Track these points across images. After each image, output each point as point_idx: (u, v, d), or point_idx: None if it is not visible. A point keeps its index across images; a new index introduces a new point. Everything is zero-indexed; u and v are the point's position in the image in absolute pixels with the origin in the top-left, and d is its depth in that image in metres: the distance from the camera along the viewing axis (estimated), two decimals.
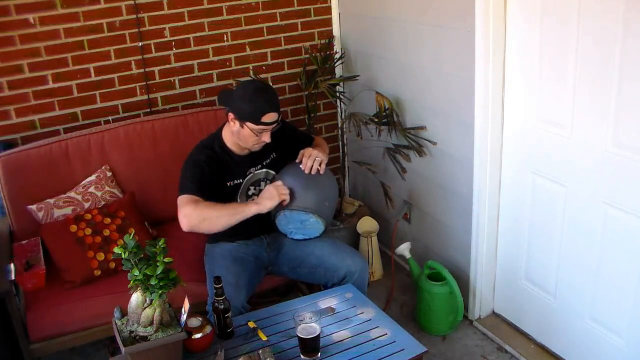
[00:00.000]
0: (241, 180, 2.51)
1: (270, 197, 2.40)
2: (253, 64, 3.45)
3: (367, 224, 3.41)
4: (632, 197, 2.15)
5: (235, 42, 3.37)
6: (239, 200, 2.53)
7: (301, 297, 2.52)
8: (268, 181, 2.57)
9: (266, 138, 2.40)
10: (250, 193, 2.55)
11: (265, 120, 2.34)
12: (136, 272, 1.89)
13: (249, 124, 2.35)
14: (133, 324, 1.95)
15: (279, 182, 2.44)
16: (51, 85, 3.00)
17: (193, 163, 2.45)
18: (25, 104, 2.97)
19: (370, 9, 3.23)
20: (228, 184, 2.49)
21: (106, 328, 2.43)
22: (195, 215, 2.30)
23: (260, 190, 2.53)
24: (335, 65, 3.56)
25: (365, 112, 3.20)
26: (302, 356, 2.05)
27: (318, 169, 2.46)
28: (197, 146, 2.53)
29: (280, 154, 2.58)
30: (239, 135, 2.42)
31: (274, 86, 3.41)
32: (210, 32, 3.29)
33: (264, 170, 2.56)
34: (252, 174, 2.53)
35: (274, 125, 2.38)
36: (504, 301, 2.94)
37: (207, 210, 2.32)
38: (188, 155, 2.50)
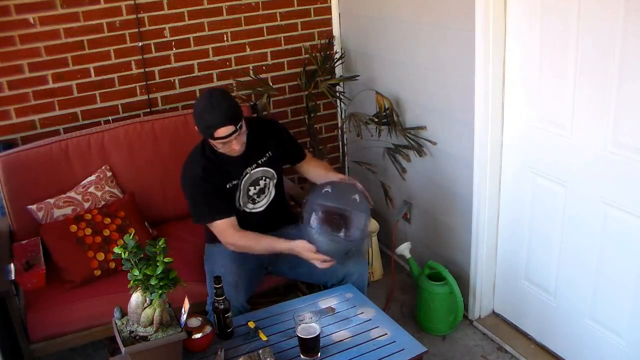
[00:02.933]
0: (237, 181, 2.50)
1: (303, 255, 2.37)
2: (253, 64, 3.45)
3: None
4: (632, 197, 2.15)
5: (235, 42, 3.37)
6: (240, 202, 2.52)
7: (301, 297, 2.52)
8: (267, 179, 2.56)
9: (235, 146, 2.36)
10: (251, 194, 2.54)
11: (219, 135, 2.30)
12: (136, 272, 1.89)
13: (208, 139, 2.36)
14: (133, 324, 1.95)
15: (313, 254, 2.32)
16: (51, 85, 3.00)
17: (194, 183, 2.42)
18: (25, 104, 2.97)
19: (370, 9, 3.23)
20: (227, 186, 2.48)
21: (106, 328, 2.43)
22: (240, 246, 2.45)
23: (260, 189, 2.54)
24: (335, 65, 3.56)
25: (365, 112, 3.20)
26: (302, 356, 2.05)
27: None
28: (190, 157, 2.49)
29: (275, 152, 2.57)
30: (213, 144, 2.40)
31: (274, 86, 3.41)
32: (210, 32, 3.29)
33: (261, 169, 2.54)
34: (248, 174, 2.51)
35: (234, 134, 2.32)
36: (504, 301, 2.94)
37: (245, 245, 2.44)
38: (184, 168, 2.47)
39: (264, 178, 2.56)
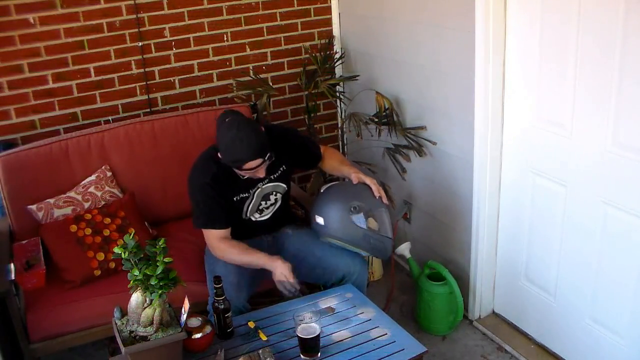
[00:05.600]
0: (247, 194, 2.48)
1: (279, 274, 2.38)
2: (253, 64, 3.45)
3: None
4: (632, 197, 2.15)
5: (235, 42, 3.37)
6: (248, 215, 2.52)
7: (301, 297, 2.53)
8: (278, 194, 2.56)
9: (260, 174, 2.36)
10: (261, 207, 2.53)
11: (247, 167, 2.29)
12: (136, 272, 1.89)
13: (234, 169, 2.35)
14: (133, 324, 1.95)
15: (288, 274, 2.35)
16: (51, 85, 3.00)
17: (201, 189, 2.40)
18: (25, 104, 2.96)
19: (370, 8, 3.23)
20: (234, 198, 2.46)
21: (106, 328, 2.42)
22: (225, 256, 2.44)
23: (271, 204, 2.54)
24: (335, 65, 3.56)
25: (365, 112, 3.20)
26: (302, 356, 2.05)
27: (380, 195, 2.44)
28: (201, 160, 2.45)
29: (289, 166, 2.56)
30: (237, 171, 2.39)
31: (274, 86, 3.41)
32: (210, 32, 3.29)
33: (273, 184, 2.52)
34: (260, 189, 2.49)
35: (262, 165, 2.32)
36: (504, 301, 2.94)
37: (233, 255, 2.42)
38: (193, 171, 2.44)
39: (274, 193, 2.54)
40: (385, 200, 2.44)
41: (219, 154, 2.35)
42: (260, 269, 2.57)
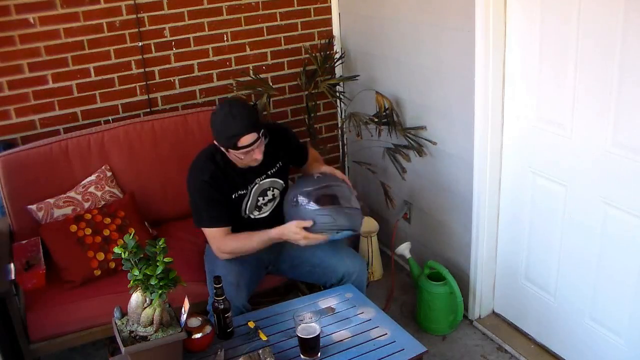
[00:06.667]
0: (245, 191, 2.48)
1: (292, 238, 2.38)
2: (253, 64, 3.45)
3: (367, 224, 3.40)
4: (632, 197, 2.15)
5: (235, 42, 3.37)
6: (247, 212, 2.52)
7: (301, 297, 2.53)
8: (276, 190, 2.56)
9: (257, 155, 2.35)
10: (259, 204, 2.54)
11: (243, 144, 2.29)
12: (136, 272, 1.89)
13: (230, 150, 2.34)
14: (133, 324, 1.95)
15: (298, 230, 2.34)
16: (51, 85, 3.00)
17: (200, 188, 2.40)
18: (25, 104, 2.96)
19: (370, 8, 3.23)
20: (233, 195, 2.46)
21: (106, 328, 2.43)
22: (231, 250, 2.44)
23: (269, 200, 2.55)
24: (335, 65, 3.56)
25: (365, 112, 3.20)
26: (302, 356, 2.05)
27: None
28: (199, 159, 2.46)
29: (285, 162, 2.57)
30: (231, 157, 2.39)
31: (274, 86, 3.41)
32: (210, 32, 3.29)
33: (270, 179, 2.53)
34: (257, 185, 2.50)
35: (257, 143, 2.31)
36: (504, 301, 2.94)
37: (237, 247, 2.43)
38: (191, 171, 2.45)
39: (272, 189, 2.55)
40: (340, 175, 2.50)
41: (215, 141, 2.36)
42: (260, 268, 2.58)
